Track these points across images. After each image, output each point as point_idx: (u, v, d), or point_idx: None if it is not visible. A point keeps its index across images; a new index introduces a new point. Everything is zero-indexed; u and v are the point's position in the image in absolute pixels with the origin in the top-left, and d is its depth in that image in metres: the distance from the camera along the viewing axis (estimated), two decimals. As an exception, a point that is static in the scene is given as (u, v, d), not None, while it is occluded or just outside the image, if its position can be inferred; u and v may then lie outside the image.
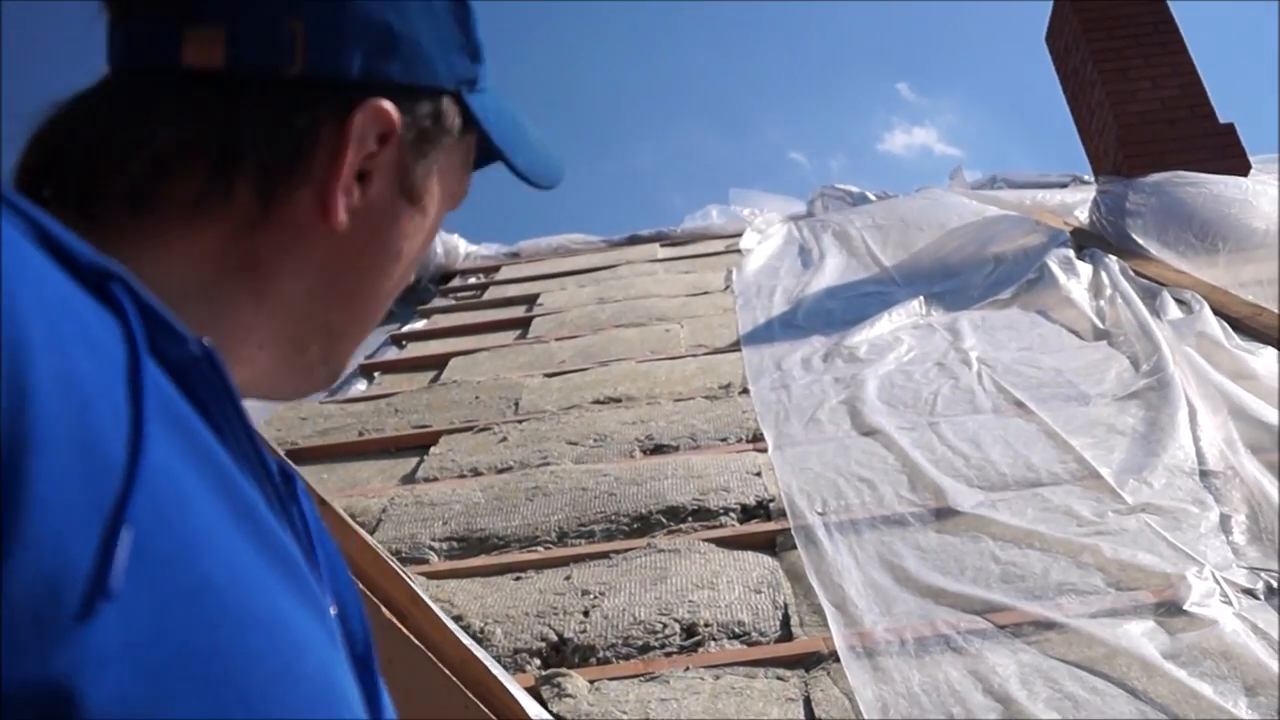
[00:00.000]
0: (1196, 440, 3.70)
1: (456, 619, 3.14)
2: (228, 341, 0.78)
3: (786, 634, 3.06)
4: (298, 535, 0.75)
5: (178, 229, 0.78)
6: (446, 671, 2.52)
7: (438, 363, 5.95)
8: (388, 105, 0.81)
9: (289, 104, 0.80)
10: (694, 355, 5.42)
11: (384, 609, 2.49)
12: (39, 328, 0.52)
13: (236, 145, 0.79)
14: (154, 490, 0.55)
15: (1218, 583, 2.90)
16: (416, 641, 2.54)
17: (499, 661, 2.98)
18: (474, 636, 3.08)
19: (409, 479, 4.33)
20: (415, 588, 2.65)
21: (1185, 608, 2.82)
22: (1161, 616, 2.82)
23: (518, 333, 6.65)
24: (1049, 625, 2.86)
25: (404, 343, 6.67)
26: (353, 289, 0.86)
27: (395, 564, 2.73)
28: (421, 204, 0.87)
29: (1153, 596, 2.89)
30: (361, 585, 2.41)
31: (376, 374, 5.96)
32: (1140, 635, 2.75)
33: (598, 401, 4.86)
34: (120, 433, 0.55)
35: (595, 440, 4.40)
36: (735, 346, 5.46)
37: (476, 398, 5.04)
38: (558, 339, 6.17)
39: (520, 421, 4.70)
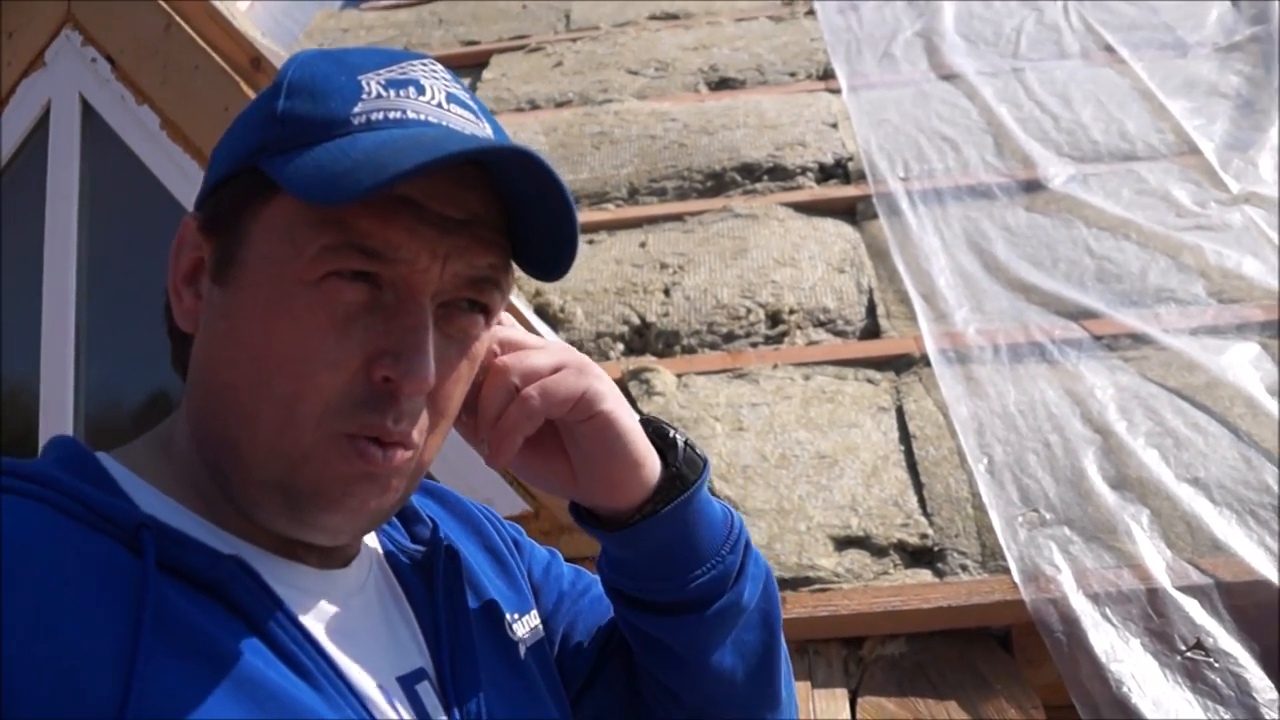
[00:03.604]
0: (1306, 114, 3.50)
1: (535, 295, 3.06)
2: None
3: (874, 325, 3.01)
4: (429, 607, 0.99)
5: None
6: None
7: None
8: (190, 215, 0.93)
9: None
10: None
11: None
12: (24, 621, 0.72)
13: None
14: (143, 710, 0.72)
15: (1328, 304, 2.83)
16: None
17: (582, 347, 2.93)
18: (554, 318, 3.02)
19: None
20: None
21: (1293, 335, 2.76)
22: (1267, 338, 2.76)
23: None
24: (1147, 340, 2.80)
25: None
26: (224, 393, 0.88)
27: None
28: (231, 280, 0.88)
29: (1260, 314, 2.82)
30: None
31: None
32: (1245, 364, 2.70)
33: (654, 17, 4.55)
34: (113, 685, 0.72)
35: (657, 69, 4.15)
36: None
37: (524, 7, 4.70)
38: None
39: (574, 39, 4.41)
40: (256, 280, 0.86)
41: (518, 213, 0.91)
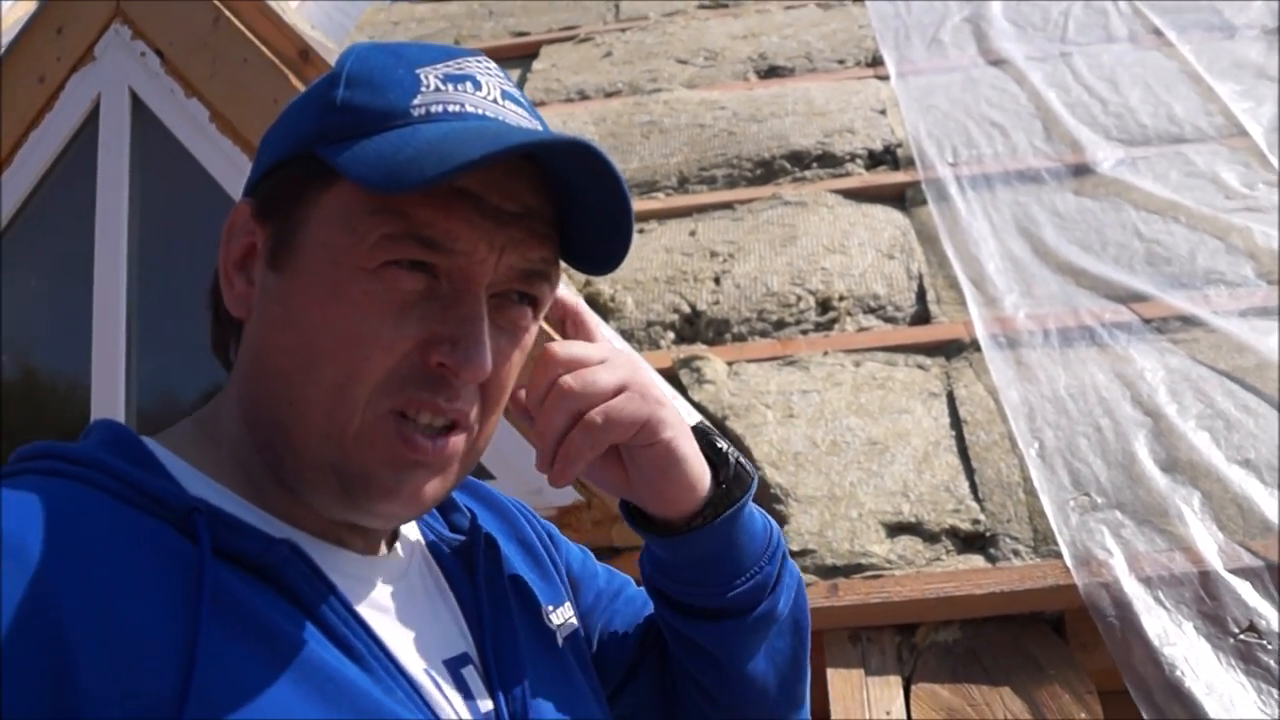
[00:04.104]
0: (1358, 96, 3.47)
1: (585, 285, 3.09)
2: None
3: (924, 311, 3.01)
4: (472, 595, 1.01)
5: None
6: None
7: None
8: (242, 200, 0.93)
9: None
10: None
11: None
12: (86, 600, 0.73)
13: None
14: (206, 690, 0.74)
15: (1380, 287, 2.80)
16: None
17: (632, 336, 2.95)
18: (604, 307, 3.04)
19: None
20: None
21: (1344, 316, 2.74)
22: (1317, 320, 2.75)
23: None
24: (1197, 323, 2.79)
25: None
26: (277, 378, 0.89)
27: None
28: (287, 266, 0.89)
29: (1308, 295, 2.80)
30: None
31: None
32: (1296, 345, 2.68)
33: (703, 6, 4.57)
34: (175, 667, 0.74)
35: (706, 58, 4.16)
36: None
37: (574, -2, 4.75)
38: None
39: (623, 29, 4.44)
40: (313, 266, 0.87)
41: (570, 207, 0.92)
